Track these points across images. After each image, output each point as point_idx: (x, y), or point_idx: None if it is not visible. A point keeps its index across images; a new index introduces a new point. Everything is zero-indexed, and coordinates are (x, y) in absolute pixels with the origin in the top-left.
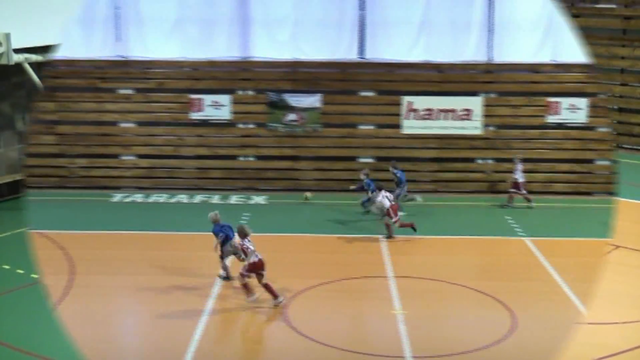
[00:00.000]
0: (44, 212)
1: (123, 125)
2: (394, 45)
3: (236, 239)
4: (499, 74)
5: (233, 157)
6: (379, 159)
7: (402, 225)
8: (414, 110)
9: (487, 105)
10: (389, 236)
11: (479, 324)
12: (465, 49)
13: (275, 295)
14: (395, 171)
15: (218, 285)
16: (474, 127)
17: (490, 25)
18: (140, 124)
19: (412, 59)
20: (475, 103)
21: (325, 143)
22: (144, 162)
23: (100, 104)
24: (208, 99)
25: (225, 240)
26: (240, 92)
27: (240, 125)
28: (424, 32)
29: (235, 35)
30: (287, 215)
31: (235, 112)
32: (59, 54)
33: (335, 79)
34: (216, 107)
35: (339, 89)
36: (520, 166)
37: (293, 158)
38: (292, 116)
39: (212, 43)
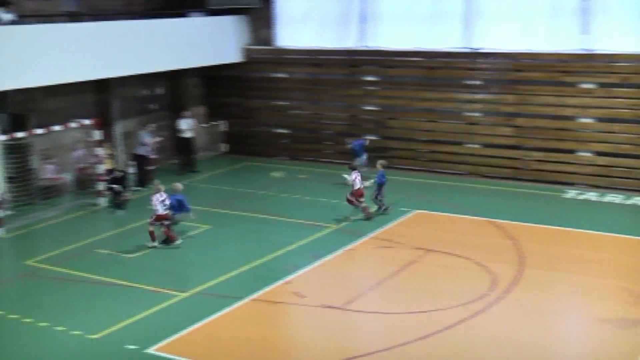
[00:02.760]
0: (496, 202)
1: (582, 120)
2: None
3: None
4: None
5: None
6: None
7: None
8: None
9: None
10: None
11: None
12: None
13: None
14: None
15: None
16: None
17: None
18: (600, 119)
19: None
20: None
21: None
22: (601, 160)
23: (560, 98)
24: None
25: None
26: None
27: None
28: None
29: None
30: None
31: None
32: (524, 48)
33: None
34: None
35: None
36: None
37: None
38: None
39: None
